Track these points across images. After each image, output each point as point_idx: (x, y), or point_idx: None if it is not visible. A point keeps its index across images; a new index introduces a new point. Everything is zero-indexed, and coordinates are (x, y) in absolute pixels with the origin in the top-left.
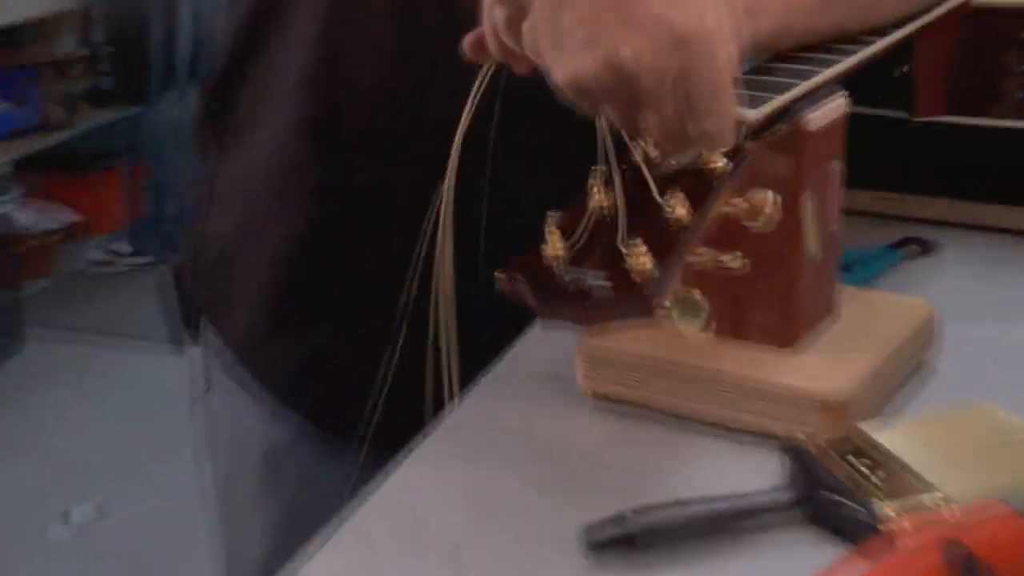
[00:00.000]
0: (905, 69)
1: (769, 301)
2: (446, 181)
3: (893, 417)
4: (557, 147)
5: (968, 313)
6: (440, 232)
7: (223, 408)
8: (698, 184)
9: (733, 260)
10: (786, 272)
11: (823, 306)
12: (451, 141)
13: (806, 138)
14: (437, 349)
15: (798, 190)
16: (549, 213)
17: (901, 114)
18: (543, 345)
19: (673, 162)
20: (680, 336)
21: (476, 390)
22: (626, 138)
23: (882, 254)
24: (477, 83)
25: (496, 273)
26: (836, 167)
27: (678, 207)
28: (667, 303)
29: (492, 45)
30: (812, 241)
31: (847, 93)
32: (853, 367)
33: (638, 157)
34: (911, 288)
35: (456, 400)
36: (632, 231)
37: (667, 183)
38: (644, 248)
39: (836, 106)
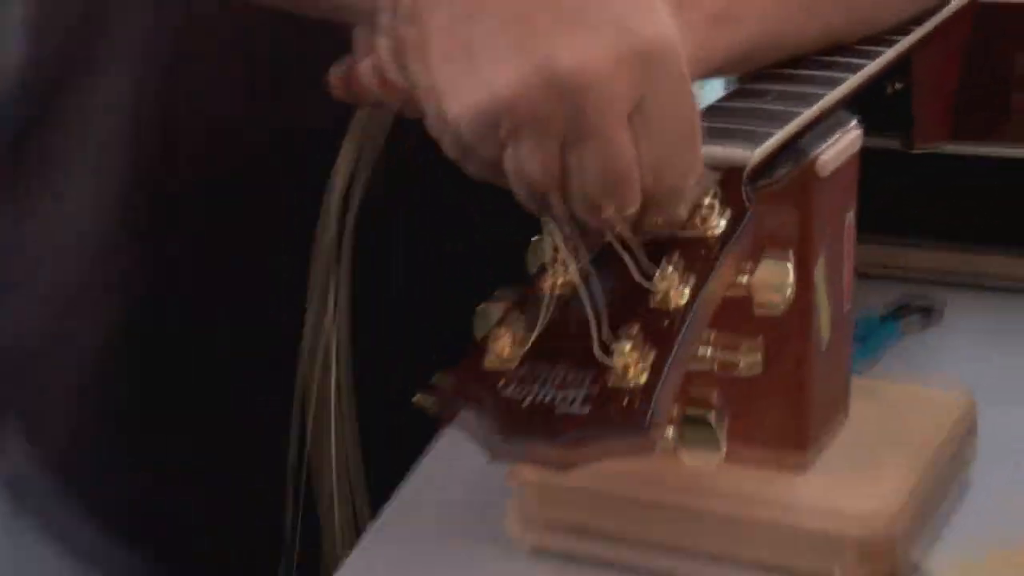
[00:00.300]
0: (899, 86)
1: (771, 405)
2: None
3: (940, 551)
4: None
5: (995, 395)
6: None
7: (29, 547)
8: (692, 253)
9: (750, 359)
10: (794, 365)
11: (837, 406)
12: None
13: (818, 185)
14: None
15: (809, 256)
16: (488, 301)
17: (893, 143)
18: (465, 458)
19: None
20: (649, 459)
21: (373, 530)
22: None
23: (880, 326)
24: (353, 130)
25: (420, 394)
26: (850, 222)
27: (671, 288)
28: (669, 431)
29: (372, 81)
30: (824, 322)
31: (858, 120)
32: (888, 488)
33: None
34: (920, 368)
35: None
36: (610, 324)
37: (650, 254)
38: (632, 350)
39: (850, 140)
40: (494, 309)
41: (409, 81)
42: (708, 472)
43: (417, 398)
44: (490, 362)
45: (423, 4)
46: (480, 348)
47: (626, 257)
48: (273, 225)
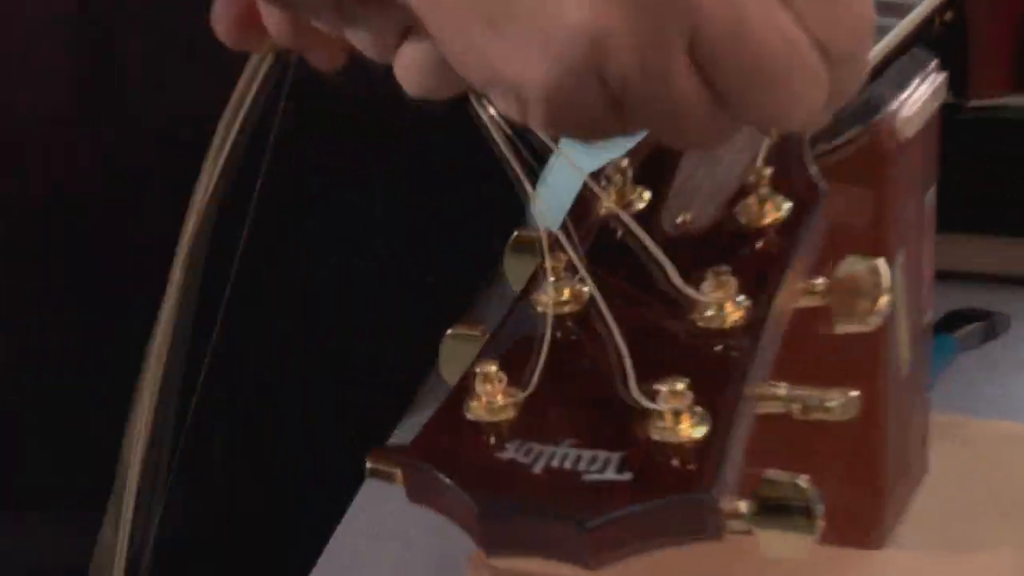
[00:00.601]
0: (948, 18)
1: (835, 457)
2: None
3: None
4: (383, 179)
5: None
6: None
7: None
8: (747, 252)
9: (845, 398)
10: (866, 401)
11: (917, 456)
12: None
13: (897, 151)
14: None
15: (886, 249)
16: (460, 323)
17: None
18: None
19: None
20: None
21: None
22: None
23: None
24: (242, 85)
25: (371, 459)
26: (931, 203)
27: (728, 301)
28: (742, 506)
29: (276, 23)
30: (903, 340)
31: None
32: (994, 568)
33: (611, 203)
34: (981, 393)
35: None
36: (646, 360)
37: (689, 258)
38: (684, 394)
39: (932, 89)
40: (470, 335)
41: (335, 24)
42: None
43: (370, 465)
44: (476, 411)
45: None
46: (458, 392)
47: (661, 257)
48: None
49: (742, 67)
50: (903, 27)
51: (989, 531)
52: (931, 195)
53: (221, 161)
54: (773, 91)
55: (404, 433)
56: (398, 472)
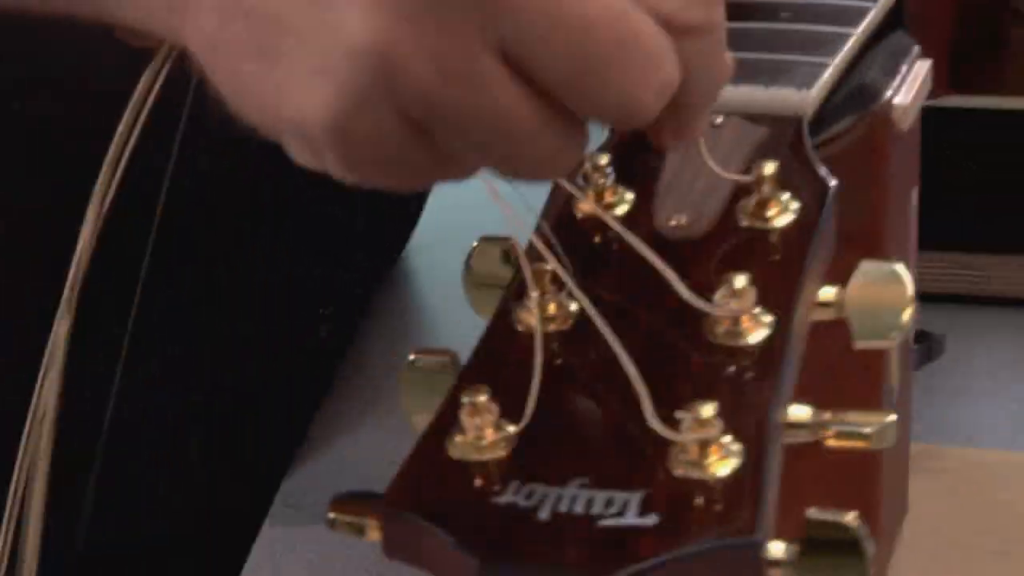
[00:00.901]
0: None
1: (822, 494)
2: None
3: None
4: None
5: None
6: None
7: None
8: (755, 261)
9: (881, 424)
10: None
11: (903, 491)
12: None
13: (894, 143)
14: None
15: (881, 252)
16: (415, 353)
17: None
18: None
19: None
20: None
21: None
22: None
23: None
24: (143, 85)
25: (333, 509)
26: (914, 202)
27: (744, 318)
28: (780, 549)
29: None
30: (894, 361)
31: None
32: None
33: (592, 206)
34: (922, 418)
35: None
36: (657, 384)
37: (690, 266)
38: (712, 422)
39: (921, 76)
40: (437, 362)
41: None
42: None
43: (333, 515)
44: (462, 448)
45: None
46: (437, 427)
47: (662, 266)
48: None
49: (567, 55)
50: (881, 7)
51: (980, 558)
52: (914, 195)
53: (122, 162)
54: (607, 76)
55: (305, 478)
56: (370, 524)
